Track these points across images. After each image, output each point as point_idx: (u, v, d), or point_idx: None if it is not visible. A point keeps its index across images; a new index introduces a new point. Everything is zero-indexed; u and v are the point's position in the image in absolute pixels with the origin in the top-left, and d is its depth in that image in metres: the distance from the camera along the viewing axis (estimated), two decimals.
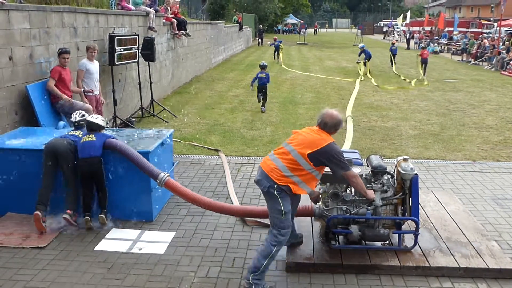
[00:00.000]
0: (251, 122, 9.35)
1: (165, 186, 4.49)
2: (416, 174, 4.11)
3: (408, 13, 45.91)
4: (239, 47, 29.53)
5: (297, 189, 3.61)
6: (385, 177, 4.25)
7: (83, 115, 4.91)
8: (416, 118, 9.84)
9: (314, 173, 3.65)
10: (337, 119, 3.74)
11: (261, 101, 10.35)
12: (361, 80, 15.22)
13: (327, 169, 3.78)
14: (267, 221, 4.48)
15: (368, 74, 16.92)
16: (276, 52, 24.18)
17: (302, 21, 75.20)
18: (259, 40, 36.11)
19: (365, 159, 4.66)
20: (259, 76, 10.46)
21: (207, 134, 8.35)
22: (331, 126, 3.73)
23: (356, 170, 4.07)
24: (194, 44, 15.63)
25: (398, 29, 52.04)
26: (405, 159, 4.24)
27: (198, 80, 15.15)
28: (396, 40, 29.11)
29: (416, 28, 43.96)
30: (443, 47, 31.23)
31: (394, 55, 21.00)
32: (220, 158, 6.93)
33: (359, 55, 18.50)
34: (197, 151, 7.30)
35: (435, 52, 28.93)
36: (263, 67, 10.60)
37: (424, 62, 17.81)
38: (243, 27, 30.79)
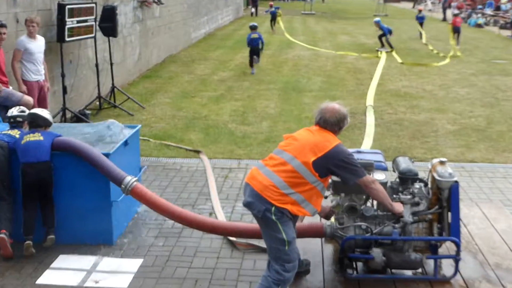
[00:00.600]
0: (242, 114, 9.33)
1: (131, 193, 4.42)
2: (456, 181, 4.08)
3: None
4: (227, 17, 29.54)
5: (298, 210, 3.56)
6: (417, 185, 4.22)
7: (23, 111, 4.84)
8: (456, 109, 9.86)
9: (319, 187, 3.62)
10: (341, 114, 3.74)
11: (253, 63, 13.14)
12: (387, 52, 15.30)
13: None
14: (263, 243, 4.40)
15: (391, 52, 17.03)
16: (272, 22, 25.39)
17: None
18: (253, 9, 36.18)
19: (391, 162, 4.63)
20: (251, 37, 13.15)
21: (184, 130, 8.33)
22: (333, 123, 3.72)
23: (378, 176, 4.03)
24: (168, 14, 15.60)
25: None
26: (442, 162, 4.21)
27: (174, 61, 15.14)
28: (430, 10, 29.48)
29: None
30: (488, 19, 31.42)
31: (421, 23, 22.84)
32: (201, 162, 6.88)
33: (380, 38, 18.41)
34: (172, 153, 7.25)
35: (479, 25, 29.10)
36: (253, 27, 13.28)
37: (456, 31, 19.37)
38: None
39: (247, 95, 10.87)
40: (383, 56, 16.14)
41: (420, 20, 23.18)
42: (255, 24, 13.48)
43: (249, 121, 8.89)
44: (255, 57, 13.39)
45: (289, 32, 24.51)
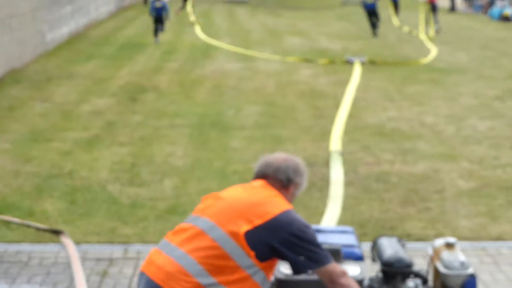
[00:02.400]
0: (131, 168, 9.31)
1: None
2: (472, 275, 4.23)
3: None
4: (105, 8, 29.68)
5: None
6: (411, 283, 4.34)
7: None
8: (472, 154, 10.23)
9: (256, 277, 3.65)
10: (294, 163, 3.92)
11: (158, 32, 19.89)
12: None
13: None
14: None
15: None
16: (183, 4, 29.17)
17: None
18: None
19: (371, 244, 4.76)
20: (155, 6, 21.56)
21: (35, 196, 8.23)
22: (283, 176, 3.87)
23: (350, 269, 4.12)
24: (7, 2, 15.47)
25: None
26: (449, 245, 4.35)
27: (17, 80, 15.03)
28: None
29: None
30: None
31: (395, 3, 27.77)
32: (63, 249, 6.79)
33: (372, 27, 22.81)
34: (14, 235, 7.13)
35: (506, 18, 30.59)
36: None
37: (433, 8, 25.37)
38: None
39: (139, 137, 10.87)
40: (355, 68, 16.67)
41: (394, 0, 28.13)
42: None
43: (142, 180, 8.87)
44: (159, 25, 21.89)
45: (206, 31, 24.91)
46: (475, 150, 10.46)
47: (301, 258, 3.65)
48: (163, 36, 23.05)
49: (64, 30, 21.46)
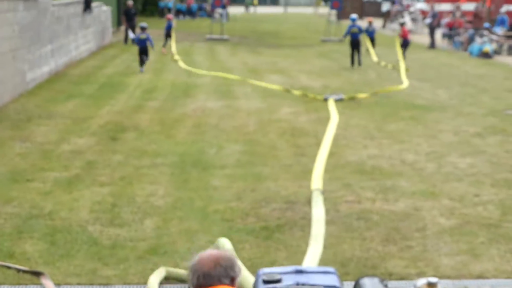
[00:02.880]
0: (112, 209, 9.29)
1: None
2: None
3: None
4: (85, 46, 29.75)
5: None
6: None
7: None
8: (453, 192, 10.28)
9: None
10: (226, 258, 4.04)
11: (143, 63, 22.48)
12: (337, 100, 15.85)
13: None
14: None
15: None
16: (167, 39, 31.45)
17: None
18: (127, 32, 36.59)
19: (353, 285, 4.76)
20: (139, 38, 23.49)
21: (15, 237, 8.20)
22: (229, 281, 4.00)
23: None
24: None
25: (411, 10, 55.28)
26: (431, 285, 4.37)
27: None
28: (410, 30, 33.86)
29: (446, 7, 46.88)
30: (500, 43, 33.30)
31: (371, 38, 29.27)
32: None
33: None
34: None
35: (485, 55, 30.86)
36: (142, 27, 23.38)
37: (405, 44, 28.29)
38: (93, 4, 31.17)
39: (119, 176, 10.87)
40: (333, 106, 16.74)
41: (371, 34, 29.44)
42: (145, 24, 24.15)
43: (123, 220, 8.85)
44: (143, 56, 24.26)
45: (186, 70, 25.02)
46: (456, 187, 10.52)
47: None
48: (143, 76, 23.16)
49: (45, 69, 21.48)
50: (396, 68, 25.49)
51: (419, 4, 51.71)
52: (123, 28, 40.65)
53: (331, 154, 12.30)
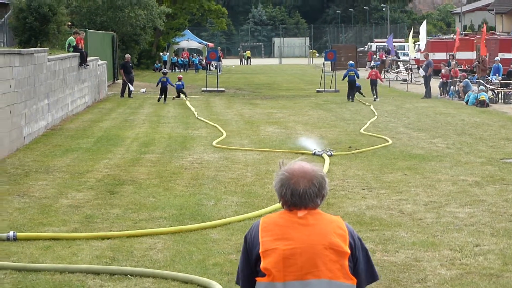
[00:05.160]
0: (111, 262, 9.28)
1: None
2: None
3: (423, 26, 48.79)
4: (81, 100, 29.95)
5: None
6: None
7: None
8: (453, 242, 10.25)
9: None
10: (319, 174, 4.26)
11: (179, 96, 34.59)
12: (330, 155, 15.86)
13: None
14: None
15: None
16: (180, 96, 35.24)
17: (209, 44, 79.16)
18: (125, 85, 36.88)
19: None
20: (161, 80, 33.84)
21: None
22: (317, 194, 4.20)
23: None
24: None
25: (405, 59, 55.82)
26: None
27: None
28: (404, 80, 37.57)
29: (440, 56, 47.24)
30: (496, 93, 33.43)
31: (353, 85, 34.73)
32: None
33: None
34: None
35: (481, 104, 30.85)
36: (165, 73, 35.27)
37: (373, 83, 34.89)
38: (88, 58, 31.42)
39: (118, 230, 10.85)
40: (326, 158, 16.73)
41: (352, 78, 34.69)
42: (166, 70, 36.91)
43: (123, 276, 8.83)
44: (164, 95, 33.67)
45: (183, 121, 25.13)
46: (456, 237, 10.49)
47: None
48: (140, 129, 23.29)
49: (41, 124, 21.57)
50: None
51: (414, 53, 52.14)
52: (119, 81, 41.04)
53: (330, 205, 12.29)
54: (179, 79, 35.98)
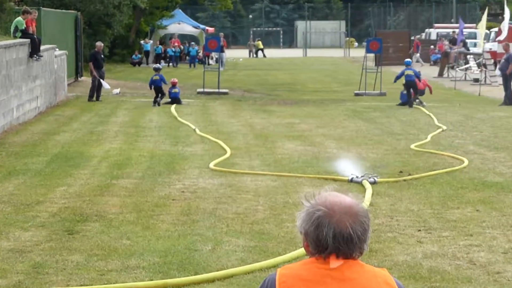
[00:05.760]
0: None
1: None
2: None
3: (507, 10, 48.45)
4: (31, 104, 29.86)
5: None
6: None
7: None
8: None
9: None
10: (365, 213, 4.23)
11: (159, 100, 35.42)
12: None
13: None
14: None
15: None
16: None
17: (208, 29, 78.72)
18: (96, 83, 36.78)
19: None
20: (153, 79, 36.14)
21: None
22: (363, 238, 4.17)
23: None
24: None
25: (477, 51, 55.61)
26: None
27: None
28: (475, 80, 37.54)
29: None
30: None
31: (413, 88, 34.93)
32: None
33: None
34: None
35: None
36: (157, 69, 37.79)
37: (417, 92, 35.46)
38: (42, 47, 31.37)
39: (77, 285, 10.77)
40: (367, 186, 16.61)
41: (410, 78, 35.32)
42: (159, 66, 40.26)
43: None
44: (160, 95, 35.35)
45: (171, 134, 25.10)
46: None
47: None
48: (111, 144, 23.28)
49: None
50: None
51: (488, 44, 51.99)
52: (84, 79, 40.99)
53: (373, 252, 12.20)
54: (174, 85, 36.67)
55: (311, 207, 4.10)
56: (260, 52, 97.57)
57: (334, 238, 4.03)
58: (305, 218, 4.10)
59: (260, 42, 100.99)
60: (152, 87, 36.04)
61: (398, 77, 35.93)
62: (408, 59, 36.39)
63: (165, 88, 36.20)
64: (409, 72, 34.94)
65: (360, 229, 4.05)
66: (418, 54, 67.24)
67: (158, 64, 40.33)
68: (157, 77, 35.66)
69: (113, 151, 22.10)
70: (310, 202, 4.12)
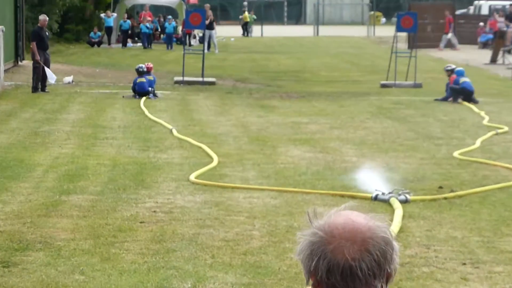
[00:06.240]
0: None
1: None
2: None
3: None
4: None
5: None
6: None
7: None
8: None
9: None
10: (385, 238, 4.00)
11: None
12: None
13: None
14: None
15: None
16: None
17: (189, 0, 78.88)
18: (40, 70, 36.87)
19: None
20: (137, 81, 37.04)
21: None
22: (372, 269, 3.95)
23: None
24: None
25: None
26: None
27: None
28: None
29: None
30: None
31: (470, 94, 35.10)
32: None
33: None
34: None
35: None
36: (141, 72, 37.81)
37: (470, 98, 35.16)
38: None
39: None
40: (396, 205, 16.62)
41: (458, 83, 35.15)
42: (143, 66, 37.97)
43: None
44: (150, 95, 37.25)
45: (140, 136, 25.18)
46: None
47: None
48: (61, 149, 23.27)
49: None
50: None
51: None
52: (26, 63, 41.08)
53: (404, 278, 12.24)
54: (149, 70, 38.32)
55: (309, 229, 3.99)
56: (247, 28, 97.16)
57: (328, 272, 3.94)
58: (301, 243, 3.97)
59: (247, 15, 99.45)
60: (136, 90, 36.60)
61: (452, 89, 35.75)
62: (460, 68, 36.45)
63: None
64: (464, 80, 35.28)
65: (368, 260, 3.91)
66: (450, 35, 66.41)
67: (142, 65, 38.40)
68: (143, 79, 36.63)
69: (64, 158, 22.11)
70: (311, 223, 4.04)
